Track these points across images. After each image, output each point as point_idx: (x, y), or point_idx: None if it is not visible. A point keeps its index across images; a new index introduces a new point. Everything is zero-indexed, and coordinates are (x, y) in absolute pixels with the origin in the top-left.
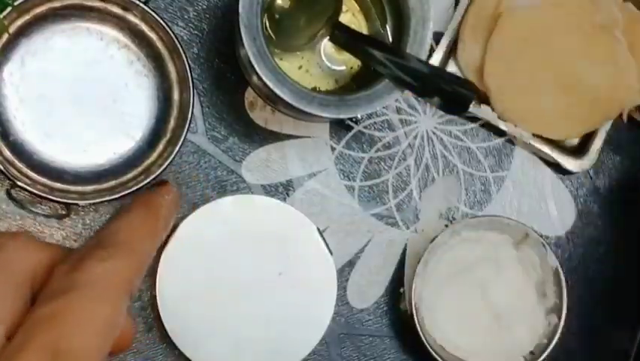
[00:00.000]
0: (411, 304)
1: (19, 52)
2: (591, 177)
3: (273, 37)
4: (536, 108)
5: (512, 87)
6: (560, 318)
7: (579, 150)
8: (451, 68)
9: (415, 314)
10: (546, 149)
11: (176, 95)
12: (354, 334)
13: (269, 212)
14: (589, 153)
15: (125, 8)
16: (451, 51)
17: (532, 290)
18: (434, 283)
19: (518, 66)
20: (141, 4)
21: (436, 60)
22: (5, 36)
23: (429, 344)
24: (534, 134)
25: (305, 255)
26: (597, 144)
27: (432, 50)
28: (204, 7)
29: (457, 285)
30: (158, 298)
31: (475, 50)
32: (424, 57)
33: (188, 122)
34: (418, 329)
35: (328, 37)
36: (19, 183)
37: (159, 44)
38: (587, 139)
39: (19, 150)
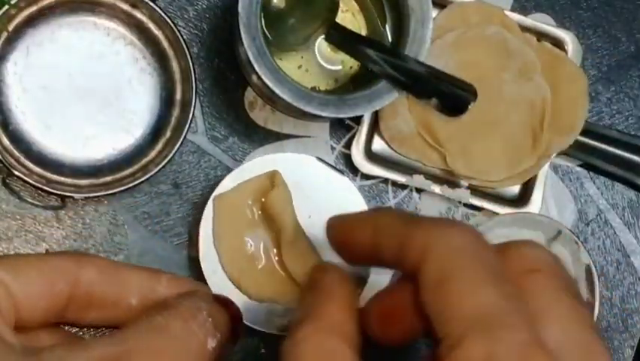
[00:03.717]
0: None
1: (25, 42)
2: (591, 177)
3: (269, 36)
4: (484, 154)
5: (462, 137)
6: (592, 315)
7: (520, 201)
8: (377, 142)
9: None
10: (487, 205)
11: (178, 95)
12: None
13: (299, 166)
14: (531, 203)
15: (133, 5)
16: (374, 128)
17: None
18: None
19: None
20: (149, 2)
21: (360, 140)
22: (9, 27)
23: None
24: (472, 191)
25: (337, 200)
26: (538, 193)
27: (355, 131)
28: (204, 6)
29: None
30: (204, 270)
31: (396, 123)
32: (423, 57)
33: (188, 122)
34: None
35: (324, 37)
36: (15, 172)
37: (165, 43)
38: (528, 189)
39: (18, 139)
